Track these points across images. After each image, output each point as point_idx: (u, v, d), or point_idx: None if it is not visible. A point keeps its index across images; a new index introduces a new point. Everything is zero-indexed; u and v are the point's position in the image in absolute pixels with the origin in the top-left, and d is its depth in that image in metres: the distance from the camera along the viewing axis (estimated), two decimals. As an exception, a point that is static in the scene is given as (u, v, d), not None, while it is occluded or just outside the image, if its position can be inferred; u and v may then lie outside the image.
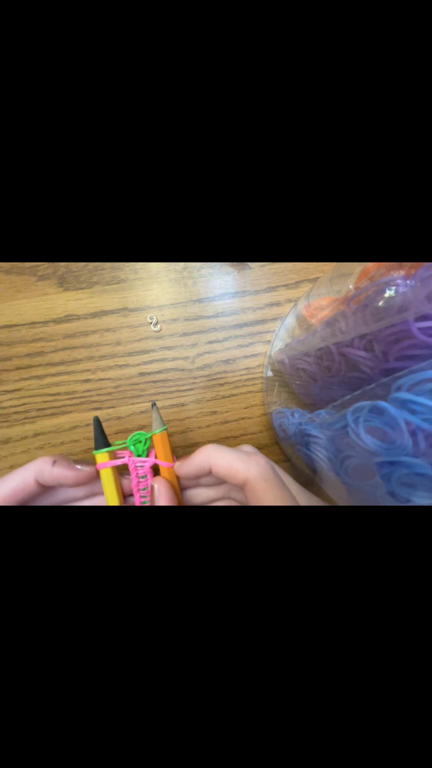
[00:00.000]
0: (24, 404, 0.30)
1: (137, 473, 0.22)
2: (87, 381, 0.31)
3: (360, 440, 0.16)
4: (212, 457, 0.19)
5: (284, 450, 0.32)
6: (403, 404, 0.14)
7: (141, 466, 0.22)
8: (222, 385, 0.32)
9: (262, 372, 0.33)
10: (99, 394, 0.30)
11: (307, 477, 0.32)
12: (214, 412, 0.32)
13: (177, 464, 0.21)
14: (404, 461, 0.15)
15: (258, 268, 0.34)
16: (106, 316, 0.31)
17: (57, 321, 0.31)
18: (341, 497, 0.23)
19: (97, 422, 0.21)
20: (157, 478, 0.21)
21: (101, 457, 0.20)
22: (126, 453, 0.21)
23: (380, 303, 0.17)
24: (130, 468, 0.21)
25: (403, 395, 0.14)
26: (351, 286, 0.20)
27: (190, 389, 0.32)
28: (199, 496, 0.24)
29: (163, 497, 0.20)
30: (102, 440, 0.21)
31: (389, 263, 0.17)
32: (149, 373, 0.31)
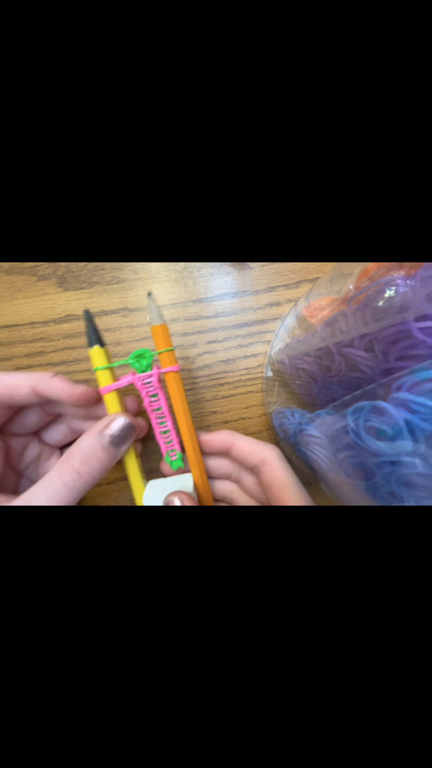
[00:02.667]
0: (24, 404, 0.30)
1: (147, 391, 0.20)
2: (87, 381, 0.31)
3: (360, 440, 0.16)
4: (235, 437, 0.20)
5: (284, 450, 0.32)
6: (403, 404, 0.14)
7: (149, 383, 0.20)
8: (222, 385, 0.32)
9: (262, 372, 0.33)
10: (99, 394, 0.30)
11: (307, 477, 0.32)
12: (214, 412, 0.32)
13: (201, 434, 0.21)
14: (404, 461, 0.15)
15: (258, 268, 0.33)
16: (106, 316, 0.31)
17: (57, 321, 0.30)
18: (341, 497, 0.23)
19: (88, 316, 0.19)
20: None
21: (98, 359, 0.18)
22: (128, 375, 0.19)
23: (380, 303, 0.17)
24: (138, 387, 0.20)
25: (403, 395, 0.14)
26: (351, 286, 0.20)
27: (190, 389, 0.32)
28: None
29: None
30: (95, 336, 0.18)
31: (389, 263, 0.17)
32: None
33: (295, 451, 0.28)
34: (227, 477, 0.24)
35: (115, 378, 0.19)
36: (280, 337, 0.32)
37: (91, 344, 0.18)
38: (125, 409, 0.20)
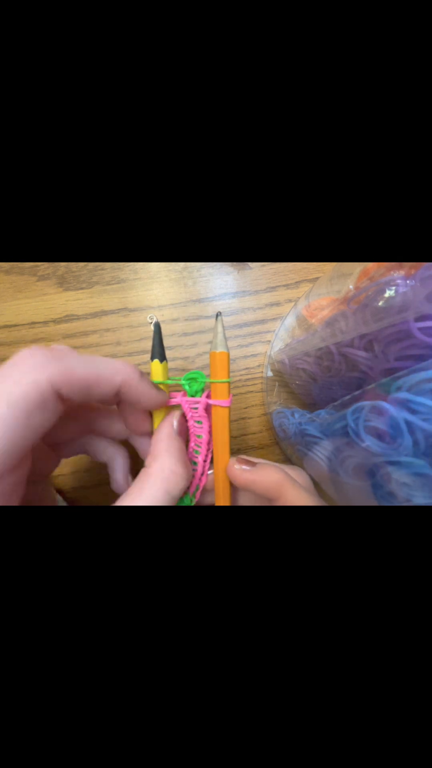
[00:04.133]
0: (24, 404, 0.30)
1: (192, 416, 0.19)
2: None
3: (360, 440, 0.16)
4: (287, 489, 0.16)
5: (284, 450, 0.32)
6: (403, 404, 0.14)
7: (195, 408, 0.19)
8: (222, 385, 0.32)
9: (262, 372, 0.33)
10: (99, 394, 0.30)
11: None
12: (214, 412, 0.32)
13: (238, 466, 0.18)
14: (404, 461, 0.15)
15: (258, 268, 0.33)
16: (106, 316, 0.31)
17: (57, 321, 0.31)
18: (341, 497, 0.23)
19: (157, 328, 0.18)
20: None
21: (157, 373, 0.18)
22: (178, 394, 0.19)
23: (380, 303, 0.17)
24: (185, 409, 0.19)
25: (403, 395, 0.14)
26: (351, 286, 0.20)
27: (190, 389, 0.32)
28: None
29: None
30: (159, 350, 0.18)
31: (389, 263, 0.17)
32: (149, 373, 0.31)
33: (295, 451, 0.28)
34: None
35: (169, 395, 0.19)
36: (280, 337, 0.32)
37: (152, 357, 0.18)
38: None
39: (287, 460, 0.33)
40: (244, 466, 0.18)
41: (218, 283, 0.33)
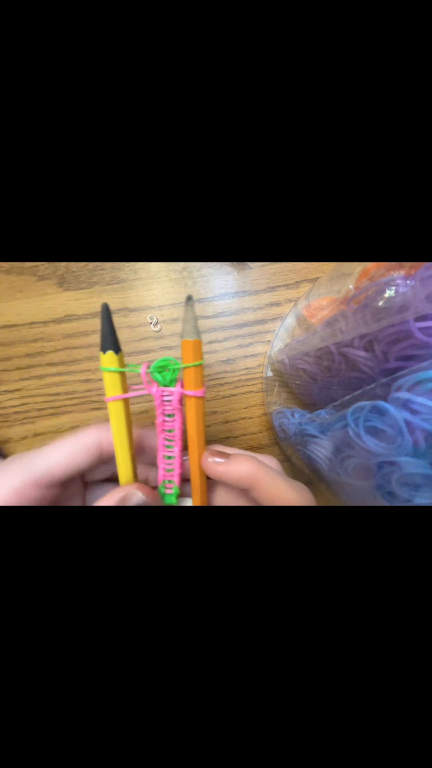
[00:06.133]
0: (24, 404, 0.30)
1: (164, 410, 0.18)
2: (87, 381, 0.31)
3: (360, 440, 0.16)
4: (261, 480, 0.16)
5: (284, 450, 0.32)
6: (403, 404, 0.14)
7: (168, 400, 0.17)
8: (222, 385, 0.32)
9: (262, 372, 0.33)
10: (99, 394, 0.30)
11: (307, 477, 0.32)
12: (214, 412, 0.32)
13: (212, 459, 0.17)
14: (404, 461, 0.15)
15: (258, 268, 0.34)
16: (106, 316, 0.31)
17: (57, 321, 0.31)
18: (341, 497, 0.23)
19: (106, 312, 0.15)
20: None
21: (110, 362, 0.15)
22: (152, 386, 0.17)
23: (380, 303, 0.17)
24: (156, 402, 0.17)
25: (403, 395, 0.14)
26: (351, 286, 0.20)
27: (190, 389, 0.32)
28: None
29: None
30: (111, 339, 0.15)
31: (389, 263, 0.17)
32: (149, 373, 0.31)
33: (295, 451, 0.28)
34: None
35: (126, 388, 0.17)
36: (280, 337, 0.32)
37: (104, 349, 0.15)
38: (130, 419, 0.17)
39: (287, 460, 0.33)
40: (216, 459, 0.17)
41: (218, 283, 0.33)
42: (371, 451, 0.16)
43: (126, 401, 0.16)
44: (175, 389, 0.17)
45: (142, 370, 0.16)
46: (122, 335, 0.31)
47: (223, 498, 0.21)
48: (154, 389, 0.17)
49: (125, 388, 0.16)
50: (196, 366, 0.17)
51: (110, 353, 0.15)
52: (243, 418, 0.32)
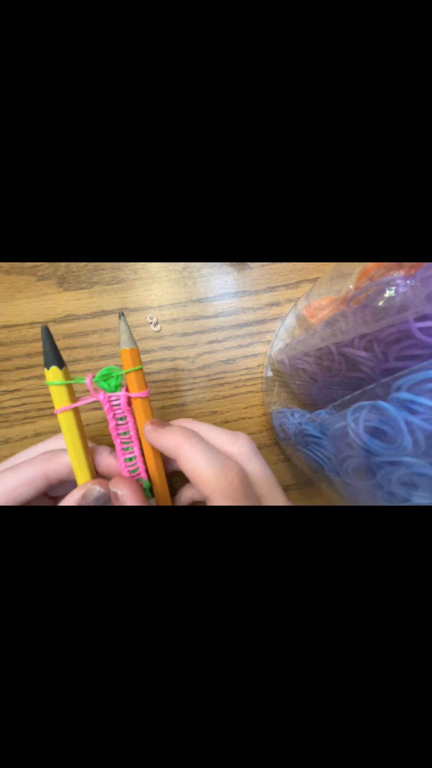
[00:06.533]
0: (24, 404, 0.30)
1: (114, 414, 0.19)
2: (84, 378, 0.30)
3: (360, 440, 0.16)
4: (183, 451, 0.16)
5: (284, 450, 0.32)
6: (403, 404, 0.14)
7: (117, 405, 0.19)
8: (222, 385, 0.32)
9: (262, 372, 0.33)
10: (99, 394, 0.30)
11: (307, 477, 0.32)
12: (214, 412, 0.32)
13: (148, 428, 0.18)
14: (404, 461, 0.15)
15: (258, 268, 0.33)
16: (106, 316, 0.31)
17: (57, 321, 0.30)
18: (341, 497, 0.23)
19: (47, 333, 0.16)
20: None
21: (54, 377, 0.16)
22: (99, 393, 0.18)
23: (380, 303, 0.17)
24: (105, 408, 0.18)
25: (403, 395, 0.14)
26: (351, 286, 0.20)
27: (190, 389, 0.32)
28: (182, 496, 0.22)
29: (132, 503, 0.16)
30: (53, 355, 0.16)
31: (389, 263, 0.17)
32: (149, 373, 0.31)
33: (295, 451, 0.28)
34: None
35: (74, 398, 0.18)
36: (280, 337, 0.32)
37: (48, 365, 0.16)
38: (84, 433, 0.18)
39: (287, 460, 0.33)
40: (152, 427, 0.18)
41: (218, 283, 0.33)
42: (371, 451, 0.16)
43: (76, 410, 0.17)
44: (121, 393, 0.18)
45: (87, 380, 0.18)
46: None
47: (188, 495, 0.22)
48: (101, 396, 0.18)
49: (73, 399, 0.17)
50: (136, 371, 0.18)
51: (54, 368, 0.16)
52: (243, 418, 0.32)
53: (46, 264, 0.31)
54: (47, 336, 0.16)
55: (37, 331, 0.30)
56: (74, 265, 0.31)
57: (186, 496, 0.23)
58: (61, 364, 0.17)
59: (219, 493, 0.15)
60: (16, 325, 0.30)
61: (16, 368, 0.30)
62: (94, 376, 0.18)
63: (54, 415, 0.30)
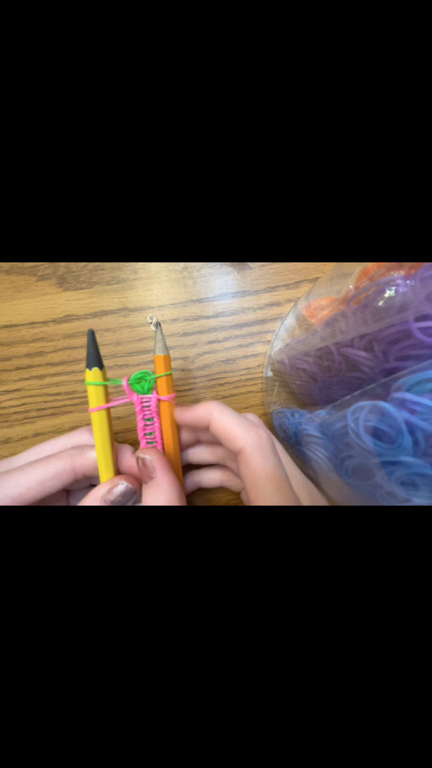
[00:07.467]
0: (24, 404, 0.30)
1: (143, 415, 0.20)
2: (82, 379, 0.30)
3: (360, 440, 0.16)
4: (215, 414, 0.18)
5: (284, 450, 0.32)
6: (403, 404, 0.14)
7: (147, 406, 0.20)
8: (222, 385, 0.32)
9: (262, 372, 0.33)
10: (99, 394, 0.30)
11: (307, 477, 0.32)
12: (214, 412, 0.32)
13: (177, 410, 0.20)
14: (404, 461, 0.15)
15: (258, 268, 0.33)
16: (106, 316, 0.31)
17: (57, 321, 0.30)
18: (341, 497, 0.23)
19: (92, 336, 0.18)
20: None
21: (95, 377, 0.18)
22: (132, 394, 0.20)
23: (380, 303, 0.17)
24: (137, 408, 0.20)
25: (403, 395, 0.14)
26: (351, 286, 0.20)
27: (190, 389, 0.32)
28: (195, 455, 0.24)
29: (159, 468, 0.18)
30: (96, 357, 0.18)
31: (389, 263, 0.17)
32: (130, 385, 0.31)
33: (295, 451, 0.28)
34: (216, 465, 0.24)
35: (108, 398, 0.19)
36: (280, 337, 0.32)
37: (90, 366, 0.18)
38: (112, 432, 0.19)
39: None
40: (183, 408, 0.20)
41: (218, 283, 0.33)
42: (371, 451, 0.16)
43: (108, 410, 0.19)
44: (152, 396, 0.21)
45: (124, 382, 0.20)
46: (122, 335, 0.31)
47: (204, 452, 0.24)
48: (135, 397, 0.20)
49: (107, 399, 0.19)
50: (167, 376, 0.21)
51: (95, 369, 0.18)
52: (243, 418, 0.32)
53: (46, 264, 0.31)
54: (92, 339, 0.18)
55: (37, 330, 0.30)
56: (74, 265, 0.31)
57: (192, 482, 0.25)
58: (101, 366, 0.18)
59: (250, 445, 0.17)
60: (16, 325, 0.30)
61: (16, 368, 0.30)
62: (128, 379, 0.20)
63: (54, 414, 0.30)
